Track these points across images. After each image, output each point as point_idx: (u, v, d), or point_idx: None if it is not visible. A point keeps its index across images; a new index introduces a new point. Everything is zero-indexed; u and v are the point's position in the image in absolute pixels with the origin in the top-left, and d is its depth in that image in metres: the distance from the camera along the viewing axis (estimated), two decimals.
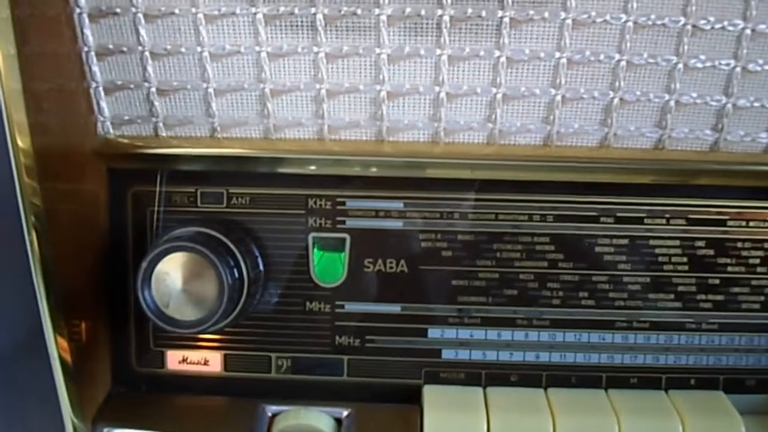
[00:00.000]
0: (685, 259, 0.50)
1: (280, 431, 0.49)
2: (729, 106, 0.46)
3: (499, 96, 0.46)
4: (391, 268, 0.50)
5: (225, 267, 0.45)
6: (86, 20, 0.44)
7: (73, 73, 0.46)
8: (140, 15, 0.44)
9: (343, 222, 0.50)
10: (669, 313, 0.50)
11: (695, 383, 0.51)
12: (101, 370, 0.51)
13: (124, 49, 0.45)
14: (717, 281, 0.50)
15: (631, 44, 0.44)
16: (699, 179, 0.49)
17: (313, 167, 0.48)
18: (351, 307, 0.51)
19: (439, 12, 0.44)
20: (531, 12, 0.44)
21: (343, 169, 0.48)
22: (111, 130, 0.48)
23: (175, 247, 0.45)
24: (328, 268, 0.50)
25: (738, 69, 0.45)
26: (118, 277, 0.50)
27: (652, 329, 0.51)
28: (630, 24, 0.44)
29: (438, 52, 0.45)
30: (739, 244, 0.50)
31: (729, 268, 0.50)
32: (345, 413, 0.50)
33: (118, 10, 0.44)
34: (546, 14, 0.44)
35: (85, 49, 0.45)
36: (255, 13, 0.44)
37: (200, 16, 0.44)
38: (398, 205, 0.50)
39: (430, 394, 0.50)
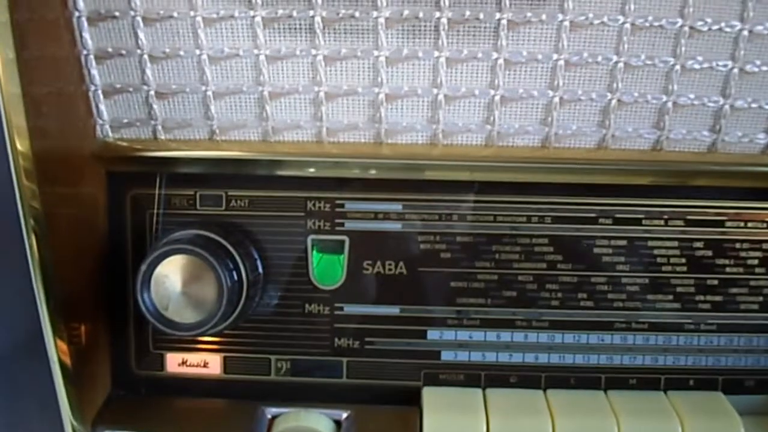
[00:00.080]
0: (683, 260, 0.50)
1: None
2: (726, 107, 0.46)
3: (497, 98, 0.46)
4: (390, 270, 0.50)
5: (224, 269, 0.45)
6: (85, 24, 0.45)
7: (72, 76, 0.46)
8: (139, 18, 0.44)
9: (342, 224, 0.50)
10: (668, 314, 0.51)
11: (694, 384, 0.51)
12: (101, 373, 0.51)
13: (123, 52, 0.45)
14: (715, 282, 0.50)
15: (629, 46, 0.44)
16: (697, 180, 0.49)
17: (312, 170, 0.48)
18: (350, 309, 0.51)
19: (437, 14, 0.44)
20: (528, 14, 0.44)
21: (341, 171, 0.49)
22: (110, 133, 0.48)
23: (175, 249, 0.45)
24: (327, 270, 0.50)
25: (735, 70, 0.45)
26: (118, 279, 0.50)
27: (650, 330, 0.51)
28: (627, 26, 0.44)
29: (436, 54, 0.45)
30: (738, 245, 0.50)
31: (727, 269, 0.50)
32: (344, 415, 0.50)
33: (116, 14, 0.44)
34: (543, 16, 0.44)
35: (84, 52, 0.45)
36: (253, 16, 0.44)
37: (199, 19, 0.44)
38: (397, 207, 0.50)
39: (430, 395, 0.50)
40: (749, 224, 0.50)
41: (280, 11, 0.44)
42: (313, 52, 0.45)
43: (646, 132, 0.47)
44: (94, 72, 0.46)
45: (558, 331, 0.51)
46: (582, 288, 0.50)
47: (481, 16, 0.44)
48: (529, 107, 0.47)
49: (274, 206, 0.50)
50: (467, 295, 0.50)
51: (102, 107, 0.47)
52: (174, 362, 0.52)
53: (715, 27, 0.44)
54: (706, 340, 0.51)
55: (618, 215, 0.49)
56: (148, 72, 0.46)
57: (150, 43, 0.45)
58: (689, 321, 0.51)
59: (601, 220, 0.50)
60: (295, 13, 0.44)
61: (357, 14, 0.44)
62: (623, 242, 0.50)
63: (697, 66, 0.45)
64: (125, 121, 0.48)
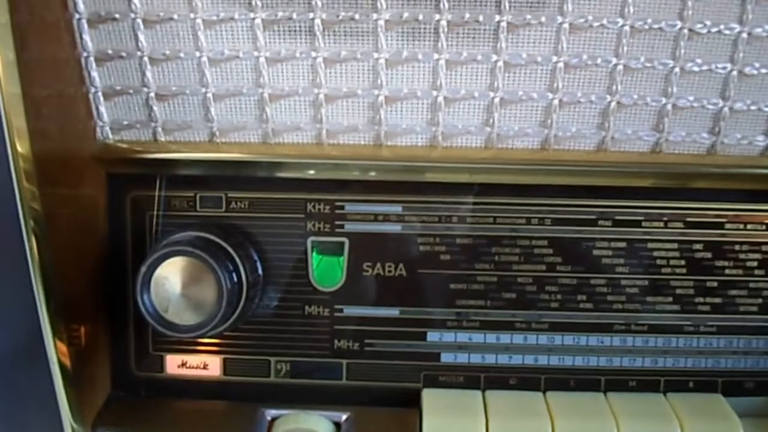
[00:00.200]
0: (683, 262, 0.50)
1: None
2: (726, 109, 0.46)
3: (496, 100, 0.46)
4: (389, 271, 0.50)
5: (224, 271, 0.45)
6: (85, 26, 0.45)
7: (73, 78, 0.46)
8: (139, 20, 0.44)
9: (342, 226, 0.50)
10: (667, 315, 0.51)
11: (694, 386, 0.51)
12: (101, 375, 0.51)
13: (123, 54, 0.45)
14: (715, 284, 0.50)
15: (628, 48, 0.45)
16: (696, 182, 0.49)
17: (311, 171, 0.48)
18: (350, 310, 0.51)
19: (437, 17, 0.44)
20: (528, 16, 0.44)
21: (341, 173, 0.49)
22: (110, 135, 0.48)
23: (174, 251, 0.45)
24: (327, 272, 0.50)
25: (735, 72, 0.45)
26: (118, 281, 0.50)
27: (650, 332, 0.51)
28: (627, 28, 0.44)
29: (436, 56, 0.45)
30: (737, 247, 0.50)
31: (727, 271, 0.50)
32: (344, 417, 0.50)
33: (117, 16, 0.44)
34: (543, 18, 0.44)
35: (85, 54, 0.45)
36: (253, 18, 0.44)
37: (199, 21, 0.44)
38: (397, 209, 0.50)
39: (429, 397, 0.50)
40: (748, 226, 0.50)
41: (280, 13, 0.44)
42: (313, 54, 0.45)
43: (646, 134, 0.47)
44: (95, 74, 0.46)
45: (557, 332, 0.51)
46: (581, 290, 0.50)
47: (481, 18, 0.44)
48: (528, 109, 0.47)
49: (274, 208, 0.50)
50: (467, 296, 0.50)
51: (102, 109, 0.47)
52: (174, 364, 0.52)
53: (714, 29, 0.44)
54: (706, 342, 0.51)
55: (617, 217, 0.50)
56: (149, 74, 0.46)
57: (150, 45, 0.45)
58: (689, 323, 0.51)
59: (600, 222, 0.50)
60: (295, 16, 0.44)
61: (357, 16, 0.44)
62: (623, 244, 0.50)
63: (696, 68, 0.45)
64: (125, 122, 0.48)
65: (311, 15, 0.44)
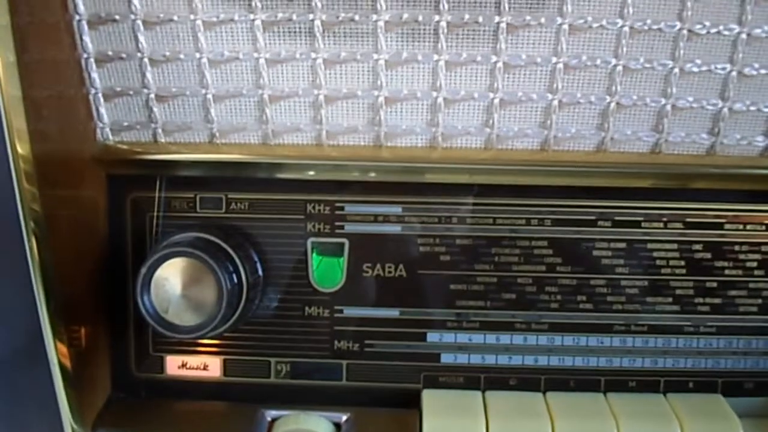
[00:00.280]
0: (682, 263, 0.50)
1: None
2: (725, 110, 0.46)
3: (496, 101, 0.46)
4: (389, 272, 0.50)
5: (224, 272, 0.45)
6: (85, 27, 0.45)
7: (73, 79, 0.46)
8: (139, 22, 0.44)
9: (342, 227, 0.50)
10: (667, 316, 0.51)
11: (693, 386, 0.51)
12: (101, 376, 0.51)
13: (123, 55, 0.45)
14: (714, 284, 0.50)
15: (628, 49, 0.45)
16: (696, 183, 0.49)
17: (311, 172, 0.49)
18: (350, 311, 0.51)
19: (437, 18, 0.44)
20: (528, 17, 0.44)
21: (341, 174, 0.49)
22: (110, 137, 0.48)
23: (175, 252, 0.45)
24: (327, 272, 0.50)
25: (734, 73, 0.45)
26: (118, 282, 0.50)
27: (650, 332, 0.51)
28: (626, 29, 0.44)
29: (435, 57, 0.45)
30: (737, 248, 0.50)
31: (726, 272, 0.50)
32: (344, 418, 0.50)
33: (117, 17, 0.44)
34: (542, 19, 0.44)
35: (85, 55, 0.46)
36: (253, 20, 0.44)
37: (199, 22, 0.44)
38: (397, 209, 0.50)
39: (429, 398, 0.50)
40: (748, 227, 0.50)
41: (280, 14, 0.44)
42: (313, 55, 0.45)
43: (645, 135, 0.47)
44: (95, 75, 0.46)
45: (557, 333, 0.51)
46: (581, 290, 0.50)
47: (480, 19, 0.44)
48: (528, 110, 0.47)
49: (274, 209, 0.50)
50: (467, 297, 0.51)
51: (102, 110, 0.47)
52: (174, 365, 0.52)
53: (713, 30, 0.44)
54: (706, 343, 0.51)
55: (617, 218, 0.50)
56: (149, 75, 0.46)
57: (150, 47, 0.45)
58: (688, 323, 0.51)
59: (600, 223, 0.50)
60: (294, 17, 0.44)
61: (356, 17, 0.44)
62: (622, 245, 0.50)
63: (695, 69, 0.45)
64: (125, 124, 0.48)
65: (311, 16, 0.44)
